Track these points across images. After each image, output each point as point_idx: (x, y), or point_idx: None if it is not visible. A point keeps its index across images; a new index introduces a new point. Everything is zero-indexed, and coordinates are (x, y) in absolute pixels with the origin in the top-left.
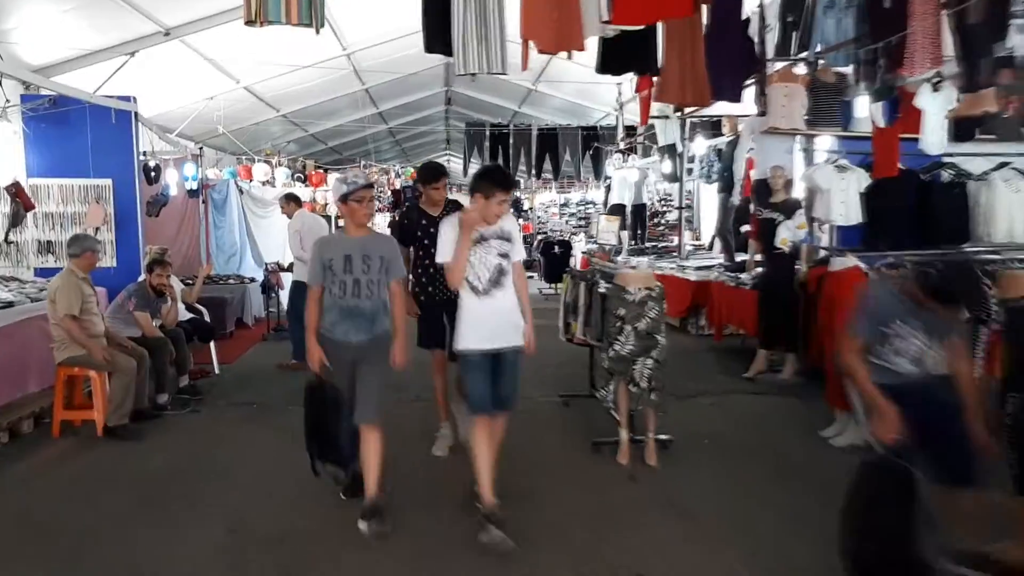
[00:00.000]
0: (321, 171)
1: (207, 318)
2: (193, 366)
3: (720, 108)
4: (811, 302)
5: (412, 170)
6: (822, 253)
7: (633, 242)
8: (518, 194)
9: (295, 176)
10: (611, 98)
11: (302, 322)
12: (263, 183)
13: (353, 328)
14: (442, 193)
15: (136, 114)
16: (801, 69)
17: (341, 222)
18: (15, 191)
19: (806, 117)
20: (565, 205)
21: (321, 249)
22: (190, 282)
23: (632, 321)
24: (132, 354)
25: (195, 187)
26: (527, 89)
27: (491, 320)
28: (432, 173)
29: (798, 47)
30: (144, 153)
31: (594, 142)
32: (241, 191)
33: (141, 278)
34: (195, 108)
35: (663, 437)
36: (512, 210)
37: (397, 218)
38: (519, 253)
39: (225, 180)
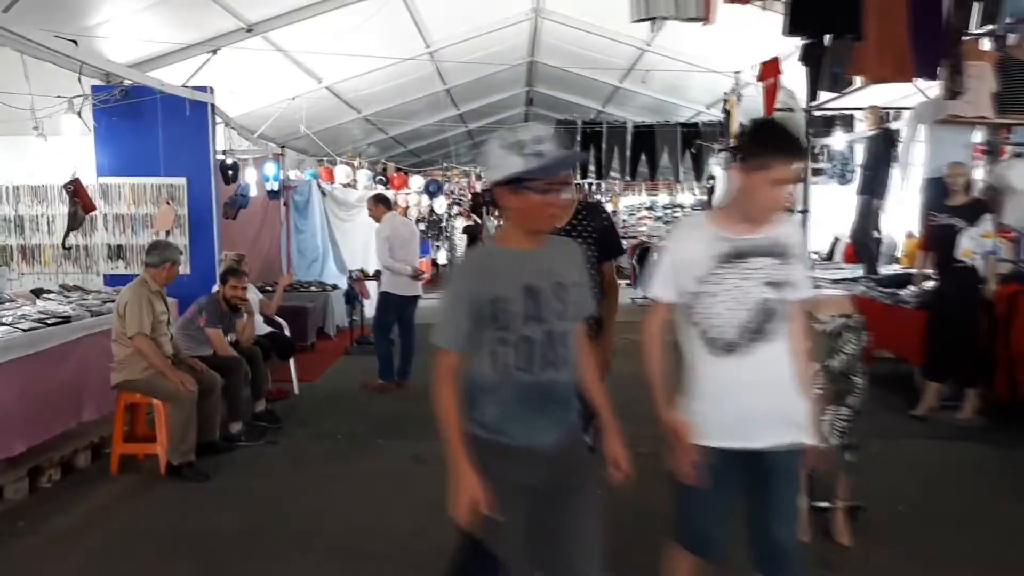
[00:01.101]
0: (403, 173)
1: (287, 331)
2: (270, 386)
3: (860, 98)
4: (998, 326)
5: None
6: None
7: None
8: (599, 197)
9: (377, 178)
10: (704, 95)
11: (388, 338)
12: (345, 185)
13: (544, 424)
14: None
15: (213, 106)
16: (987, 45)
17: (492, 224)
18: (73, 190)
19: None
20: (651, 208)
21: (474, 278)
22: (269, 290)
23: (822, 358)
24: (202, 377)
25: (276, 188)
26: (613, 87)
27: (746, 397)
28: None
29: (982, 18)
30: (223, 152)
31: (696, 139)
32: (324, 193)
33: (215, 289)
34: (277, 109)
35: (854, 504)
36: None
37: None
38: (803, 284)
39: (307, 181)
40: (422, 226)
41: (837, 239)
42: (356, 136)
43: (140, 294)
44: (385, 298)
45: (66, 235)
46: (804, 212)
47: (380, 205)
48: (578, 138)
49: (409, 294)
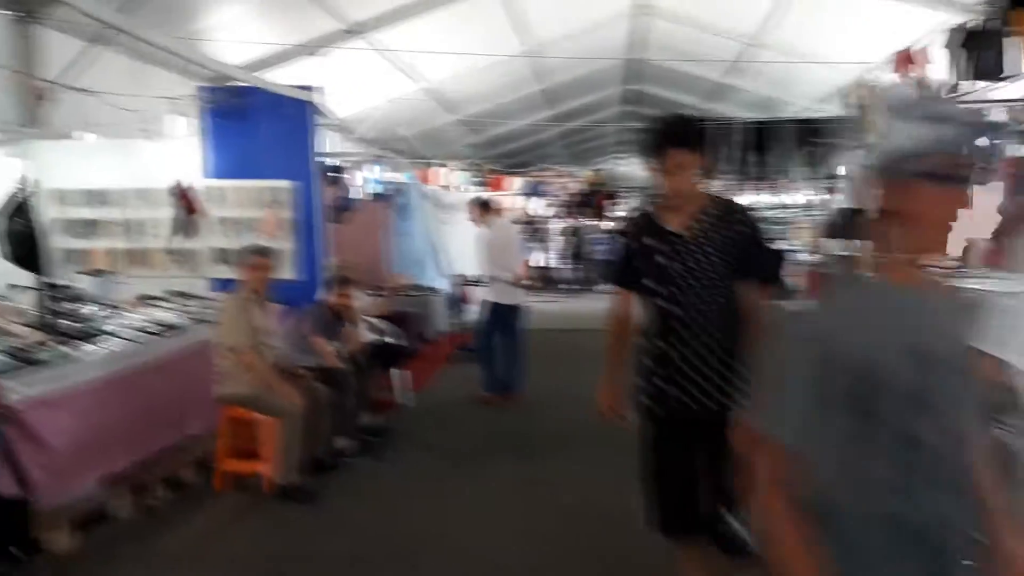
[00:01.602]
0: (501, 174)
1: (397, 339)
2: (376, 396)
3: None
4: None
5: (590, 172)
6: None
7: None
8: None
9: (474, 180)
10: (813, 90)
11: (490, 349)
12: (443, 187)
13: None
14: (688, 177)
15: (318, 107)
16: None
17: (861, 248)
18: (179, 193)
19: None
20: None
21: (832, 333)
22: (374, 293)
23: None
24: (308, 390)
25: (379, 191)
26: (714, 83)
27: None
28: (675, 130)
29: None
30: (328, 154)
31: (812, 136)
32: (425, 195)
33: (321, 296)
34: (379, 110)
35: None
36: None
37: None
38: None
39: (408, 184)
40: (519, 228)
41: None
42: (452, 138)
43: (238, 303)
44: (488, 307)
45: (172, 238)
46: None
47: (482, 209)
48: None
49: (513, 302)
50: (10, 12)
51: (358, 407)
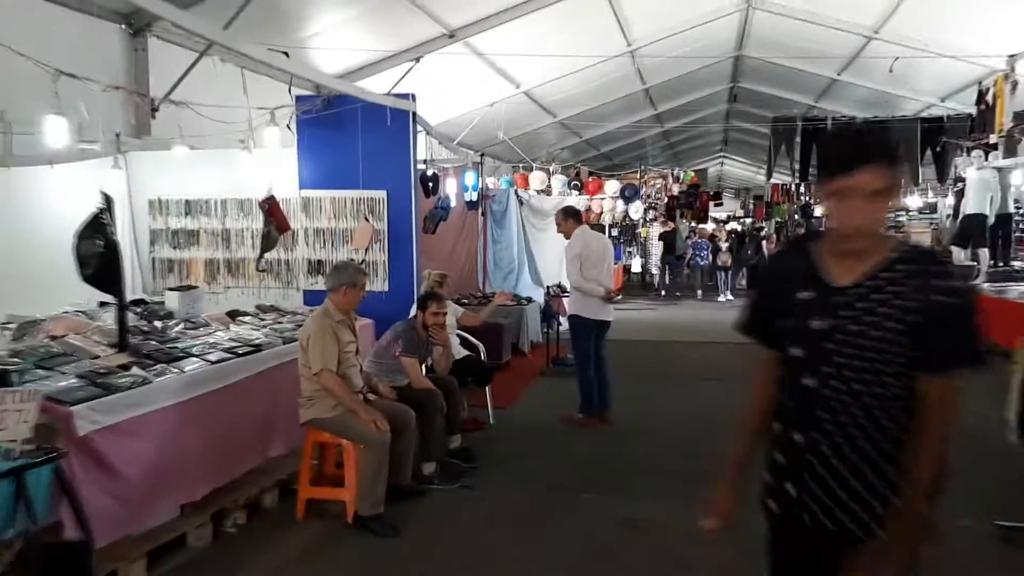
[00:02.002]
0: (597, 178)
1: (483, 354)
2: (465, 415)
3: None
4: None
5: (693, 174)
6: None
7: (992, 262)
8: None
9: (571, 184)
10: (936, 86)
11: (590, 367)
12: (539, 191)
13: None
14: (873, 209)
15: (414, 115)
16: None
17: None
18: (268, 208)
19: None
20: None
21: None
22: (467, 302)
23: None
24: (395, 413)
25: (474, 198)
26: (829, 80)
27: None
28: (863, 145)
29: None
30: (424, 161)
31: (940, 136)
32: (521, 202)
33: (413, 313)
34: (476, 115)
35: None
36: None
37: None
38: None
39: (504, 190)
40: (615, 232)
41: None
42: (550, 141)
43: (323, 325)
44: (576, 322)
45: (260, 256)
46: None
47: (570, 219)
48: (797, 138)
49: (600, 318)
50: (122, 25)
51: (447, 431)
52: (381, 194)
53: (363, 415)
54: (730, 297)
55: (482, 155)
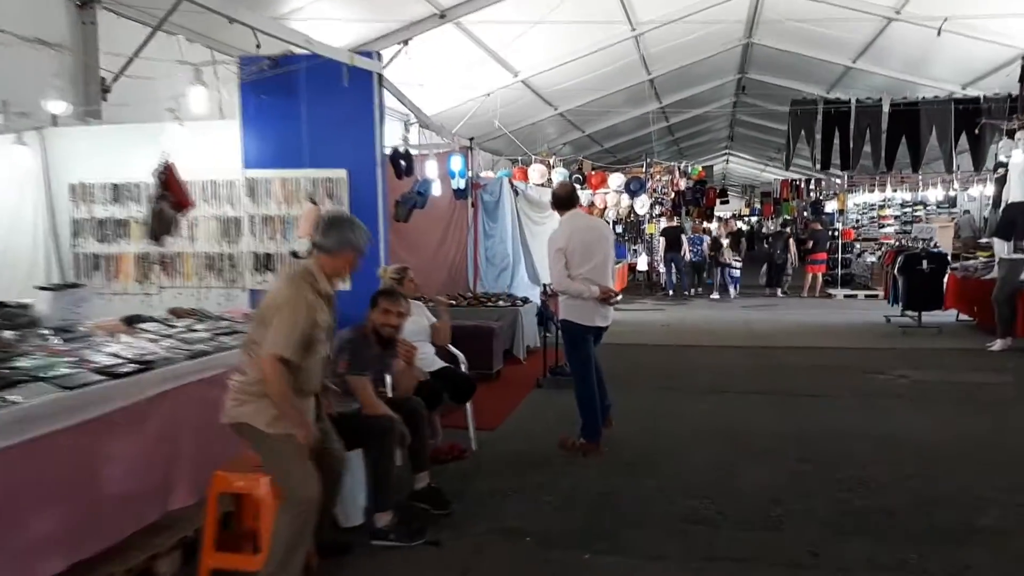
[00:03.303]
0: (601, 171)
1: (463, 365)
2: (439, 440)
3: None
4: None
5: (701, 168)
6: None
7: None
8: (815, 194)
9: (573, 178)
10: (957, 72)
11: (588, 382)
12: (539, 185)
13: None
14: None
15: (381, 77)
16: None
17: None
18: (164, 179)
19: None
20: (881, 207)
21: None
22: (455, 304)
23: None
24: (327, 455)
25: (463, 186)
26: (843, 68)
27: None
28: None
29: None
30: (404, 139)
31: (977, 118)
32: (516, 192)
33: (365, 320)
34: (471, 106)
35: None
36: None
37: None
38: None
39: (498, 179)
40: (619, 228)
41: None
42: (551, 135)
43: (301, 295)
44: (569, 328)
45: (152, 240)
46: None
47: (554, 203)
48: (818, 120)
49: (594, 324)
50: None
51: (412, 466)
52: (340, 174)
53: (300, 431)
54: (733, 295)
55: (471, 139)
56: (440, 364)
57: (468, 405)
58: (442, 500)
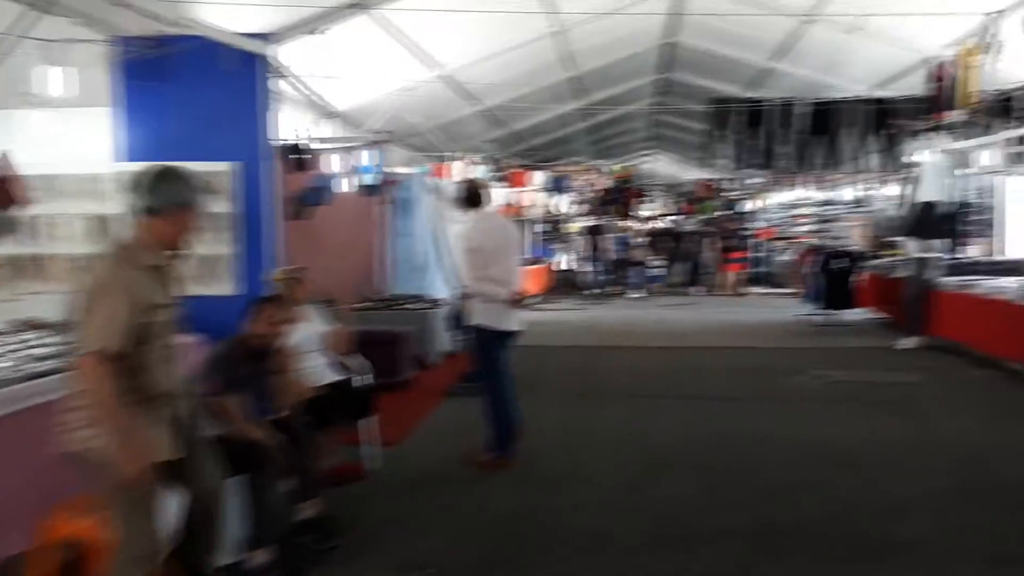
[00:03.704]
0: (524, 169)
1: (365, 378)
2: (333, 462)
3: None
4: None
5: (623, 167)
6: None
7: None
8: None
9: (493, 175)
10: (870, 73)
11: (498, 392)
12: (458, 183)
13: None
14: None
15: (269, 61)
16: None
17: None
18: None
19: None
20: (796, 206)
21: None
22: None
23: None
24: (196, 489)
25: (373, 182)
26: (760, 68)
27: None
28: None
29: None
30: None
31: (888, 119)
32: (431, 189)
33: (241, 331)
34: (391, 100)
35: None
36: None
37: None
38: None
39: (413, 175)
40: (541, 227)
41: None
42: (474, 132)
43: (117, 274)
44: (479, 334)
45: None
46: None
47: (462, 200)
48: (737, 119)
49: (507, 328)
50: None
51: (300, 495)
52: (224, 167)
53: (121, 447)
54: (642, 293)
55: (382, 132)
56: (335, 377)
57: (366, 421)
58: (330, 531)
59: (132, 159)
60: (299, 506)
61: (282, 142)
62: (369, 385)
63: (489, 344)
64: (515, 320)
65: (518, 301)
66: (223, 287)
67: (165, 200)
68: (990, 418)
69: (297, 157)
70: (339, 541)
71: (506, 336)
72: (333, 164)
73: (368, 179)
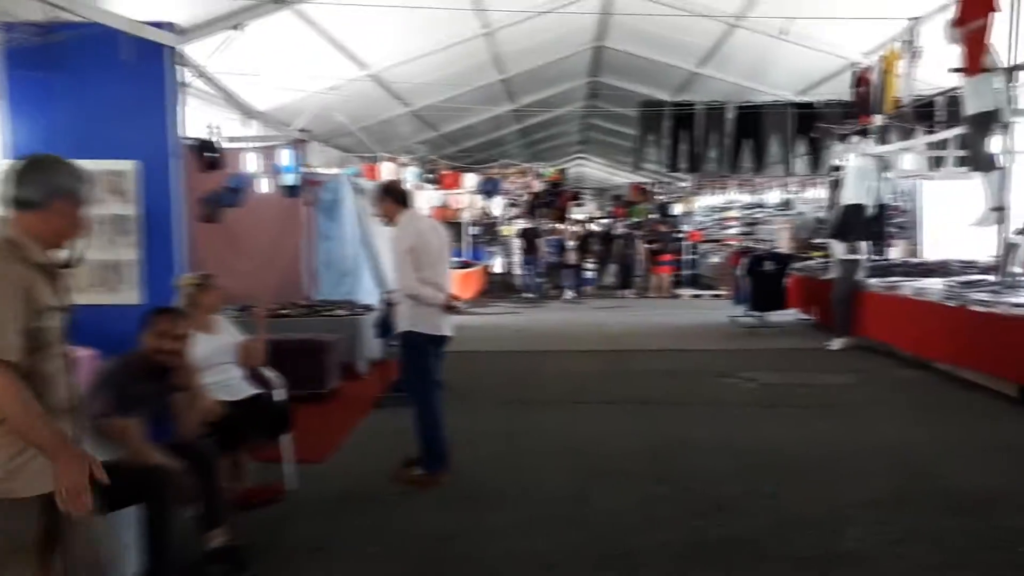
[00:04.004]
0: (455, 171)
1: (281, 389)
2: (246, 483)
3: None
4: None
5: (554, 171)
6: None
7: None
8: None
9: (425, 177)
10: (793, 79)
11: (429, 402)
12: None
13: None
14: None
15: (174, 51)
16: None
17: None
18: None
19: None
20: (724, 209)
21: None
22: (288, 313)
23: None
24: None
25: (294, 183)
26: (688, 73)
27: None
28: None
29: None
30: (214, 128)
31: (814, 123)
32: (359, 191)
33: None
34: (316, 99)
35: None
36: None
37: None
38: None
39: (338, 176)
40: (475, 231)
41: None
42: (405, 134)
43: (4, 275)
44: (411, 341)
45: None
46: (998, 210)
47: (388, 199)
48: (666, 122)
49: (440, 332)
50: None
51: (201, 525)
52: (127, 166)
53: (54, 448)
54: (574, 295)
55: (303, 131)
56: (249, 391)
57: (284, 438)
58: (242, 560)
59: (19, 156)
60: (206, 535)
61: (193, 140)
62: (287, 399)
63: (419, 351)
64: (447, 325)
65: (453, 306)
66: (127, 295)
67: (43, 192)
68: (924, 420)
69: (210, 156)
70: (252, 570)
71: (439, 341)
72: (249, 163)
73: (289, 179)
